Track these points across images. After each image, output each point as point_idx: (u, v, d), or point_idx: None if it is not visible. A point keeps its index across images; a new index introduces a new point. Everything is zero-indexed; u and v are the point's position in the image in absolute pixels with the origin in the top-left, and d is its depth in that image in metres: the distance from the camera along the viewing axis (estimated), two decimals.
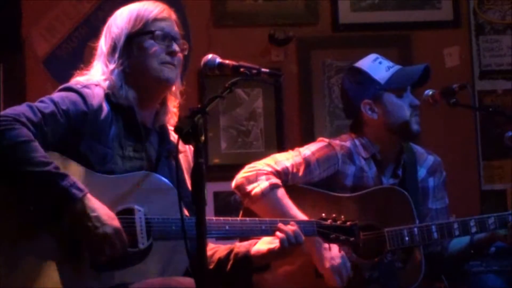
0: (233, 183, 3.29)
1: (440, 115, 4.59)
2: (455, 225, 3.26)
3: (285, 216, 3.10)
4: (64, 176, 2.54)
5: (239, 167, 3.34)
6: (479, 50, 4.98)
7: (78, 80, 2.83)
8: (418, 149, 3.53)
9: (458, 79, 4.02)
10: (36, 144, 2.55)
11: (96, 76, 2.82)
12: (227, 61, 2.68)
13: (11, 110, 2.60)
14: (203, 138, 2.31)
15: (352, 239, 2.90)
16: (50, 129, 2.62)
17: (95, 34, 2.82)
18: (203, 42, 4.75)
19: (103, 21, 2.95)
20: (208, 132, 4.75)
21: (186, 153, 2.94)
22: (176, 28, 2.88)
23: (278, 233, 2.82)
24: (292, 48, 4.88)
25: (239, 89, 4.79)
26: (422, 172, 3.48)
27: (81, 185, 2.56)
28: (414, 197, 3.32)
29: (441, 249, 3.44)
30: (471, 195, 4.83)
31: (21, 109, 2.61)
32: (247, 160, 3.37)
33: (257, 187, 3.21)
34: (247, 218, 2.90)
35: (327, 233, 2.91)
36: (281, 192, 3.22)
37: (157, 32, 2.81)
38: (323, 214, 2.95)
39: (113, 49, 2.81)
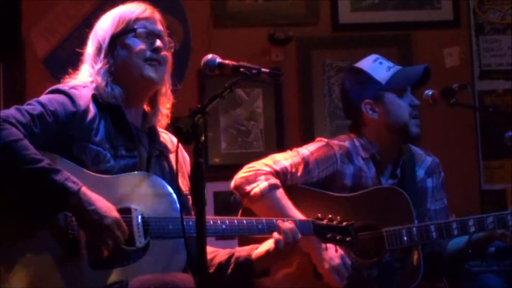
0: (232, 183, 3.29)
1: (440, 115, 4.59)
2: (454, 225, 3.26)
3: (284, 216, 3.09)
4: (58, 170, 2.55)
5: (239, 167, 3.33)
6: (479, 50, 4.98)
7: (66, 83, 2.86)
8: (416, 150, 3.53)
9: (458, 79, 4.01)
10: (26, 142, 2.56)
11: (84, 78, 2.85)
12: (227, 61, 2.68)
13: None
14: (203, 138, 2.32)
15: (348, 239, 2.91)
16: (40, 130, 2.63)
17: None
18: (203, 42, 4.76)
19: None
20: (208, 132, 4.75)
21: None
22: (160, 26, 2.90)
23: (275, 234, 2.83)
24: (292, 48, 4.89)
25: (239, 89, 4.79)
26: (420, 173, 3.47)
27: (75, 179, 2.57)
28: (412, 197, 3.31)
29: (440, 249, 3.43)
30: (471, 195, 4.83)
31: (10, 111, 2.63)
32: (247, 160, 3.37)
33: (256, 187, 3.21)
34: (244, 218, 2.91)
35: (323, 233, 2.93)
36: (280, 193, 3.22)
37: (140, 30, 2.84)
38: (319, 214, 2.97)
39: (98, 50, 2.85)
